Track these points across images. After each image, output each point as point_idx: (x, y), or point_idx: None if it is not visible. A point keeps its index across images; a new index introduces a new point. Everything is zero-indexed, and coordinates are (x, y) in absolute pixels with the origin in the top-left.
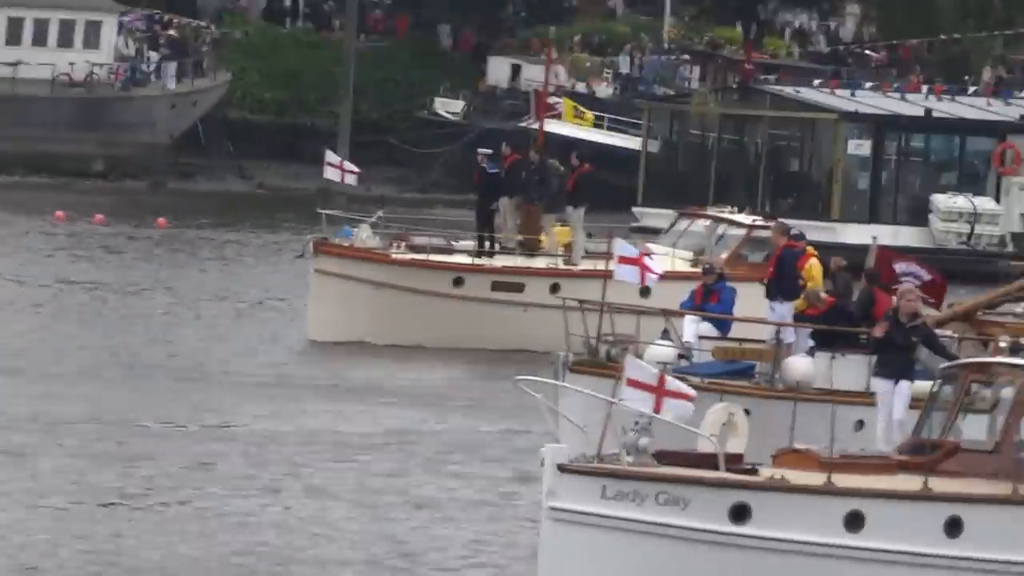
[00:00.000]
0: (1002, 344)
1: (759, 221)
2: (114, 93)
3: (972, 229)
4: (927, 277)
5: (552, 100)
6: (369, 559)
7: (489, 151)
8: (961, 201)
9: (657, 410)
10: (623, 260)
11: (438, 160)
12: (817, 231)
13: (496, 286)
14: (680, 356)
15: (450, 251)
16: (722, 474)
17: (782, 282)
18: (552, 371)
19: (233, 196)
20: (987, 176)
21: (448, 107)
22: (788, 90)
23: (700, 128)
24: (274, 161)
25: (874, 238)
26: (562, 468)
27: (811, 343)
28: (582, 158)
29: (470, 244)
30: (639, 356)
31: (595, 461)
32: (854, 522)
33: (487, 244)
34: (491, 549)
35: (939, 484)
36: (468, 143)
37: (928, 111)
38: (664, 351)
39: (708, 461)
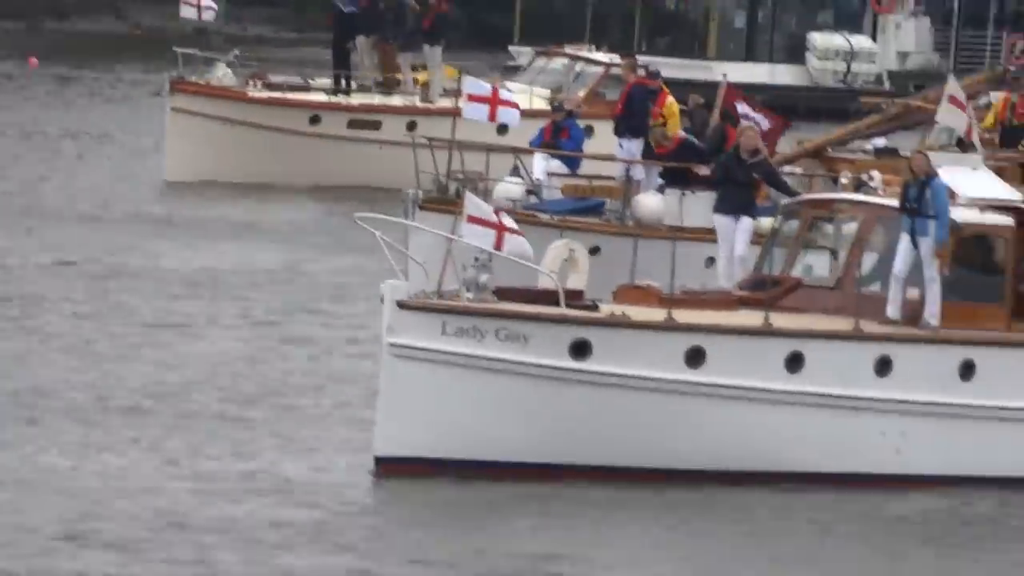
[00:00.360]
0: (844, 180)
1: (616, 59)
2: None
3: (848, 67)
4: (765, 125)
5: None
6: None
7: None
8: (838, 39)
9: (498, 247)
10: (472, 98)
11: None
12: (694, 69)
13: (352, 124)
14: (529, 193)
15: (307, 89)
16: (562, 310)
17: (631, 119)
18: (402, 208)
19: (109, 36)
20: (864, 14)
21: None
22: None
23: None
24: (146, 2)
25: (724, 75)
26: (401, 305)
27: (660, 180)
28: None
29: (327, 82)
30: (489, 193)
31: (435, 298)
32: (695, 358)
33: (343, 82)
34: (338, 386)
35: (780, 320)
36: None
37: None
38: (513, 188)
39: (549, 297)
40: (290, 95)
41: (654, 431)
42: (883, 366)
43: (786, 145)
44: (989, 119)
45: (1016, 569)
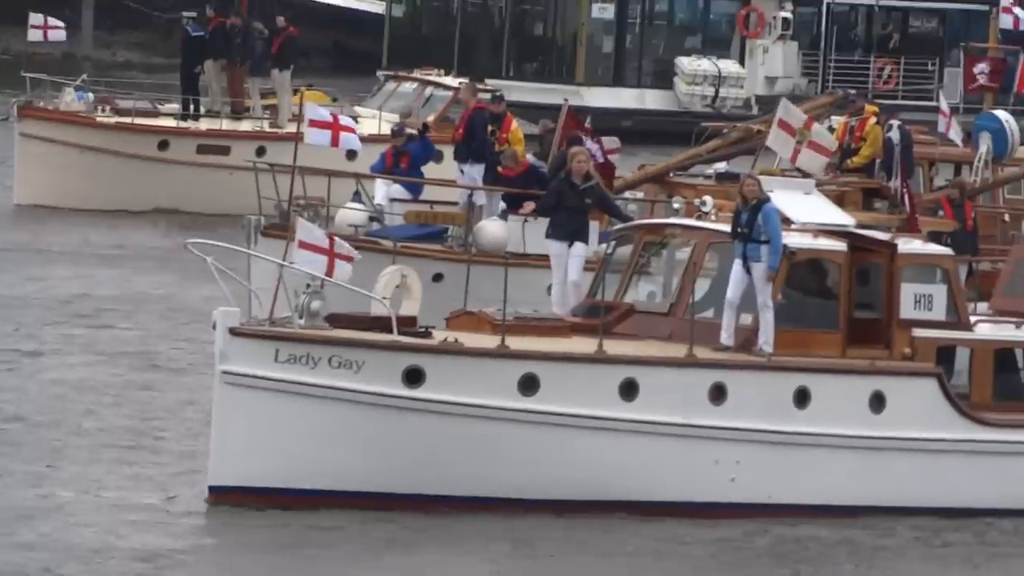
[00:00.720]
0: (676, 206)
1: (464, 82)
2: None
3: (717, 92)
4: (600, 159)
5: None
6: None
7: (193, 14)
8: (706, 64)
9: (330, 273)
10: (314, 123)
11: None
12: (562, 95)
13: (201, 149)
14: (371, 219)
15: (155, 114)
16: (395, 337)
17: (472, 144)
18: (244, 235)
19: None
20: (731, 39)
21: None
22: None
23: None
24: (16, 26)
25: (565, 100)
26: (234, 332)
27: (503, 206)
28: (288, 20)
29: (176, 107)
30: (331, 219)
31: (267, 324)
32: (528, 385)
33: (192, 107)
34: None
35: (614, 346)
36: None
37: None
38: (355, 214)
39: (382, 324)
40: (138, 120)
41: (488, 459)
42: (717, 393)
43: (627, 170)
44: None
45: None
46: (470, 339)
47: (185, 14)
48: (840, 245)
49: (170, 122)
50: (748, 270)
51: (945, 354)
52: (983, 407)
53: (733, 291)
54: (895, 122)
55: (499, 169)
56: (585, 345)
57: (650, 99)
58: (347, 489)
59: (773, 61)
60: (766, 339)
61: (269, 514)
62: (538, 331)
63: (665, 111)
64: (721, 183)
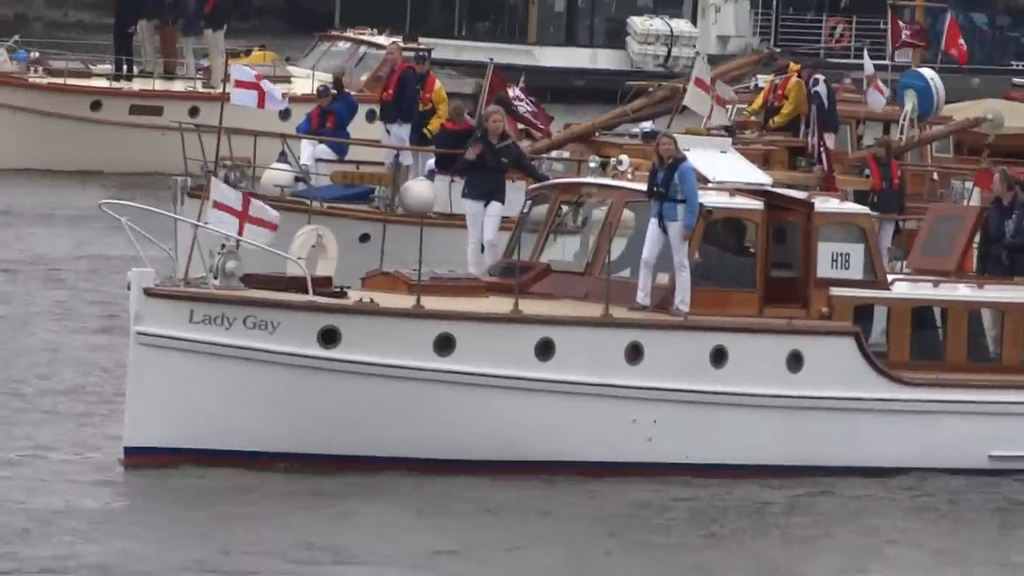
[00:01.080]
0: (592, 164)
1: (398, 41)
2: None
3: (669, 51)
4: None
5: None
6: None
7: None
8: (658, 23)
9: (240, 233)
10: (240, 84)
11: None
12: (515, 54)
13: (134, 109)
14: (297, 179)
15: (88, 75)
16: (310, 297)
17: (401, 104)
18: (171, 195)
19: None
20: None
21: None
22: None
23: None
24: None
25: (491, 59)
26: (148, 292)
27: (431, 165)
28: None
29: (109, 67)
30: (257, 180)
31: (182, 285)
32: (444, 345)
33: (125, 67)
34: (97, 374)
35: (529, 306)
36: None
37: None
38: (281, 175)
39: (297, 284)
40: (71, 81)
41: (404, 420)
42: (634, 353)
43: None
44: (757, 102)
45: (779, 551)
46: (385, 299)
47: None
48: (757, 204)
49: (103, 82)
50: (664, 229)
51: (864, 313)
52: (901, 366)
53: (649, 250)
54: (820, 76)
55: (442, 123)
56: (501, 305)
57: (603, 59)
58: (263, 450)
59: (725, 20)
60: (682, 298)
61: (185, 473)
62: (454, 291)
63: (618, 71)
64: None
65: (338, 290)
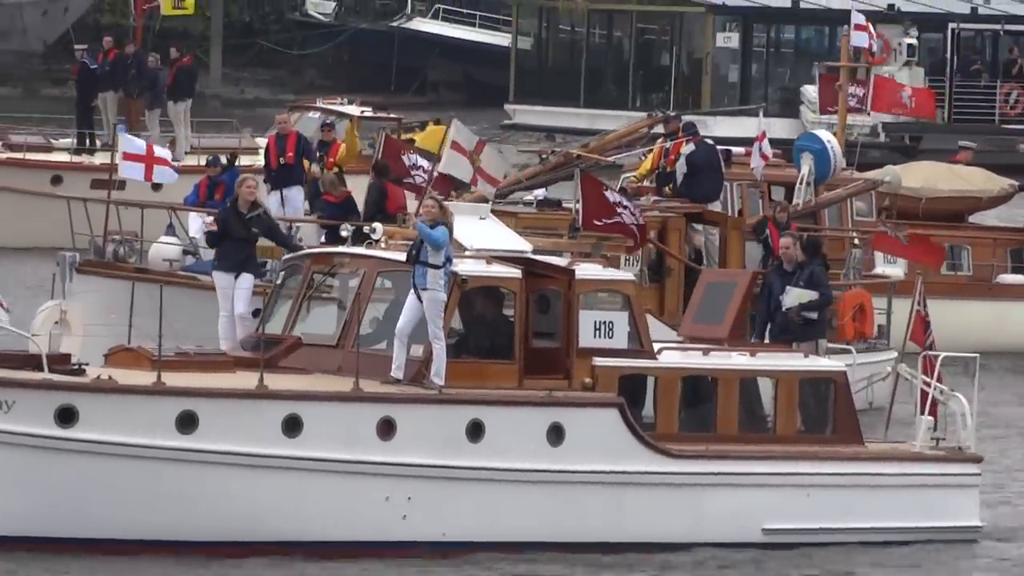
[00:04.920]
0: (344, 234)
1: (368, 111)
2: None
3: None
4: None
5: None
6: None
7: (85, 46)
8: None
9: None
10: (128, 156)
11: (311, 61)
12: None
13: (96, 184)
14: (186, 252)
15: (49, 149)
16: (46, 375)
17: (296, 168)
18: (59, 271)
19: None
20: None
21: (320, 8)
22: None
23: (569, 24)
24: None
25: (381, 128)
26: None
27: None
28: (181, 50)
29: (70, 142)
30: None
31: None
32: (187, 423)
33: (87, 141)
34: None
35: (277, 381)
36: (341, 44)
37: (795, 2)
38: (169, 248)
39: (33, 362)
40: (30, 155)
41: (147, 501)
42: (386, 428)
43: None
44: (645, 166)
45: None
46: (126, 376)
47: (77, 47)
48: (514, 272)
49: (64, 156)
50: (420, 299)
51: (636, 384)
52: (669, 438)
53: (403, 321)
54: (696, 140)
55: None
56: (247, 380)
57: (776, 127)
58: (1, 533)
59: None
60: (437, 371)
61: None
62: (199, 366)
63: (791, 139)
64: (542, 210)
65: (75, 367)
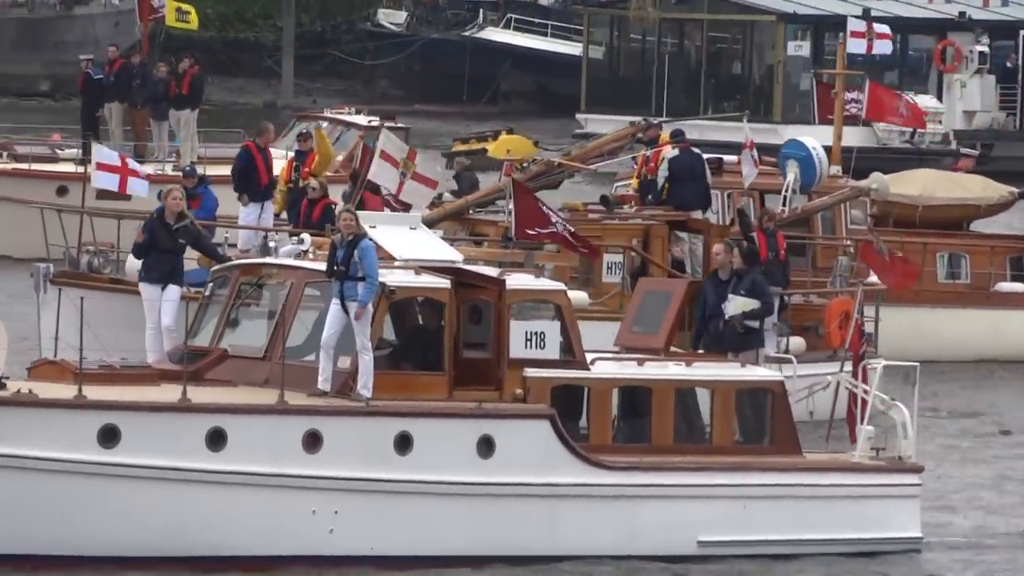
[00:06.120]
0: (292, 246)
1: (375, 122)
2: (56, 12)
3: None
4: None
5: None
6: None
7: (90, 57)
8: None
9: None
10: (101, 167)
11: (383, 71)
12: (761, 133)
13: (102, 195)
14: None
15: (54, 159)
16: None
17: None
18: (33, 283)
19: None
20: (928, 74)
21: (391, 18)
22: None
23: (640, 33)
24: (218, 76)
25: (360, 137)
26: None
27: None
28: (192, 60)
29: (75, 152)
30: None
31: None
32: (109, 437)
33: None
34: None
35: (201, 394)
36: (413, 54)
37: (866, 10)
38: None
39: None
40: (36, 166)
41: (67, 517)
42: (312, 441)
43: None
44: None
45: None
46: (48, 390)
47: (83, 56)
48: (443, 282)
49: (69, 167)
50: (346, 310)
51: (572, 395)
52: (602, 449)
53: (328, 332)
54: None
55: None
56: (170, 393)
57: (848, 135)
58: None
59: (971, 95)
60: (364, 383)
61: None
62: (123, 379)
63: (863, 147)
64: None
65: None
